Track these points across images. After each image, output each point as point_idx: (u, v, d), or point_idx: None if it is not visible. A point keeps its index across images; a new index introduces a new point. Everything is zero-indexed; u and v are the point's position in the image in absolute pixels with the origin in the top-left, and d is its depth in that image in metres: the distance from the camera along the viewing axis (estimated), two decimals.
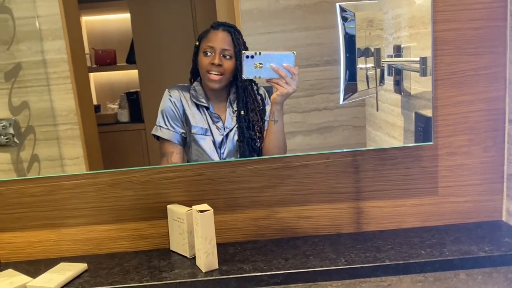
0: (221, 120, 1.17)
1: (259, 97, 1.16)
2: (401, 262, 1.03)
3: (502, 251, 1.05)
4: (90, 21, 1.25)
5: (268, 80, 1.10)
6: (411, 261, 1.04)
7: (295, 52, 1.08)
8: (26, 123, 1.16)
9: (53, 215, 1.20)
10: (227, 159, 1.17)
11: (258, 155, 1.17)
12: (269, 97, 1.15)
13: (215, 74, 1.12)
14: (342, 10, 1.13)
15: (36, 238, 1.21)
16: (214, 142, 1.17)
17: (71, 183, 1.18)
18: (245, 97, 1.15)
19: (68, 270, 1.08)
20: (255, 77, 1.09)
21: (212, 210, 1.04)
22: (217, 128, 1.17)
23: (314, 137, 1.18)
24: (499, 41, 1.13)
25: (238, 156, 1.17)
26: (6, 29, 1.12)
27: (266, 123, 1.16)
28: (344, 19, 1.13)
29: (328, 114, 1.17)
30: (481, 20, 1.12)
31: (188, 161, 1.19)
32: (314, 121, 1.17)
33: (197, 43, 1.13)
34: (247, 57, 1.07)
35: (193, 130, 1.16)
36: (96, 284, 1.03)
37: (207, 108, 1.16)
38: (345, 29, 1.14)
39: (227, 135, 1.17)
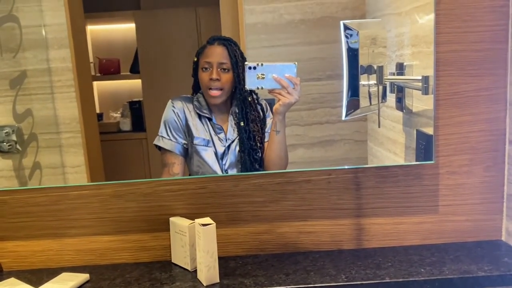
0: (223, 131, 1.18)
1: (259, 107, 1.17)
2: (400, 280, 1.04)
3: (502, 271, 1.05)
4: (95, 30, 1.26)
5: (270, 91, 1.11)
6: (411, 279, 1.04)
7: (296, 63, 1.09)
8: (29, 130, 1.17)
9: (57, 225, 1.20)
10: (230, 173, 1.18)
11: (260, 166, 1.18)
12: (271, 109, 1.16)
13: (214, 90, 1.13)
14: (346, 28, 1.15)
15: (39, 248, 1.21)
16: (216, 154, 1.17)
17: (76, 194, 1.19)
18: (245, 107, 1.16)
19: (70, 281, 1.08)
20: (258, 88, 1.10)
21: (215, 224, 1.05)
22: (219, 139, 1.18)
23: (315, 150, 1.19)
24: (500, 63, 1.15)
25: (240, 167, 1.18)
26: (13, 37, 1.13)
27: (266, 134, 1.17)
28: (348, 36, 1.15)
29: (329, 128, 1.18)
30: (483, 43, 1.14)
31: (189, 173, 1.20)
32: (316, 134, 1.18)
33: (195, 59, 1.15)
34: (250, 68, 1.08)
35: (195, 141, 1.17)
36: None
37: (210, 119, 1.17)
38: (348, 46, 1.15)
39: (229, 147, 1.18)
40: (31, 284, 1.09)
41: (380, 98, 1.20)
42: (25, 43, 1.13)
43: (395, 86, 1.19)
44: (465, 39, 1.14)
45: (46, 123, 1.16)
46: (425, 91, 1.14)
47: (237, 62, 1.12)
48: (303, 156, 1.18)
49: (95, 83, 1.28)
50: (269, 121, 1.17)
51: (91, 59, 1.25)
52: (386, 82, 1.18)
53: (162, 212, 1.20)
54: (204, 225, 1.04)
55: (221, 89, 1.13)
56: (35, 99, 1.16)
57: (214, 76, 1.12)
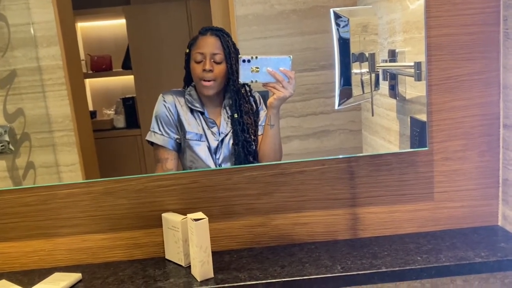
0: (216, 125, 1.16)
1: (252, 99, 1.16)
2: (397, 268, 1.03)
3: (498, 256, 1.04)
4: (86, 27, 1.24)
5: (264, 85, 1.09)
6: (407, 267, 1.03)
7: (291, 56, 1.08)
8: (21, 130, 1.15)
9: (47, 225, 1.19)
10: (223, 166, 1.17)
11: (254, 158, 1.16)
12: (264, 102, 1.15)
13: (207, 81, 1.12)
14: (336, 15, 1.13)
15: (30, 248, 1.20)
16: (209, 148, 1.16)
17: (65, 192, 1.17)
18: (238, 99, 1.14)
19: (62, 281, 1.07)
20: (252, 81, 1.09)
21: (207, 218, 1.04)
22: (212, 133, 1.16)
23: (310, 142, 1.18)
24: (492, 46, 1.14)
25: (234, 161, 1.16)
26: (1, 36, 1.12)
27: (260, 127, 1.16)
28: (339, 24, 1.13)
29: (324, 119, 1.17)
30: (474, 26, 1.13)
31: (182, 168, 1.18)
32: (311, 125, 1.17)
33: (187, 51, 1.13)
34: (244, 61, 1.07)
35: (187, 136, 1.15)
36: None
37: (202, 113, 1.16)
38: (339, 34, 1.14)
39: (222, 141, 1.16)
40: (22, 286, 1.08)
41: (372, 86, 1.18)
42: (14, 41, 1.12)
43: (388, 74, 1.18)
44: (456, 22, 1.12)
45: (38, 122, 1.15)
46: (418, 77, 1.13)
47: (230, 53, 1.10)
48: (298, 147, 1.18)
49: (87, 81, 1.27)
50: (262, 113, 1.16)
51: (82, 57, 1.24)
52: (378, 70, 1.17)
53: (154, 208, 1.18)
54: (196, 220, 1.03)
55: (213, 80, 1.12)
56: (26, 98, 1.14)
57: (207, 67, 1.10)
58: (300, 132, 1.17)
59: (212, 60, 1.11)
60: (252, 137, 1.16)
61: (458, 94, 1.16)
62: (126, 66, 1.26)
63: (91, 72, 1.27)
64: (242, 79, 1.08)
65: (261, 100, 1.16)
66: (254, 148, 1.16)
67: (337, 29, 1.13)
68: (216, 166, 1.17)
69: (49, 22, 1.12)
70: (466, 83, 1.15)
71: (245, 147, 1.15)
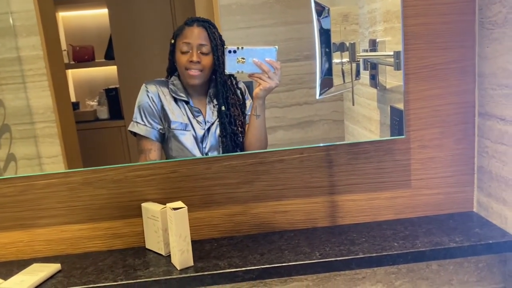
0: (202, 114, 1.16)
1: (238, 91, 1.16)
2: (374, 254, 1.05)
3: (472, 241, 1.07)
4: (67, 17, 1.23)
5: (250, 75, 1.09)
6: (384, 253, 1.05)
7: (277, 47, 1.08)
8: (1, 121, 1.14)
9: (25, 216, 1.18)
10: (210, 155, 1.17)
11: (241, 150, 1.16)
12: (249, 92, 1.15)
13: (194, 70, 1.11)
14: (317, 4, 1.13)
15: (8, 239, 1.19)
16: (195, 137, 1.16)
17: (43, 183, 1.16)
18: (225, 91, 1.14)
19: (41, 271, 1.07)
20: (238, 72, 1.09)
21: (186, 207, 1.04)
22: (198, 122, 1.16)
23: (295, 132, 1.18)
24: (468, 35, 1.15)
25: (221, 151, 1.16)
26: None
27: (247, 117, 1.16)
28: (320, 13, 1.14)
29: (308, 109, 1.17)
30: (451, 15, 1.14)
31: (166, 158, 1.18)
32: (295, 115, 1.17)
33: (172, 41, 1.12)
34: (230, 52, 1.07)
35: (172, 126, 1.15)
36: (69, 285, 1.02)
37: (187, 102, 1.15)
38: (320, 24, 1.14)
39: (208, 129, 1.16)
40: (0, 277, 1.07)
41: (353, 76, 1.19)
42: None
43: (369, 63, 1.19)
44: (433, 11, 1.13)
45: (19, 114, 1.14)
46: (397, 67, 1.14)
47: (217, 45, 1.10)
48: (282, 138, 1.18)
49: (69, 71, 1.25)
50: (247, 103, 1.16)
51: (64, 47, 1.22)
52: (359, 59, 1.17)
53: (133, 198, 1.18)
54: (175, 209, 1.03)
55: (200, 71, 1.11)
56: (5, 89, 1.12)
57: (195, 59, 1.10)
58: (284, 123, 1.17)
59: (199, 52, 1.10)
60: (240, 129, 1.16)
61: (434, 83, 1.17)
62: (109, 57, 1.24)
63: (73, 62, 1.25)
64: (228, 69, 1.08)
65: (246, 90, 1.16)
66: (241, 140, 1.16)
67: (318, 19, 1.13)
68: (203, 155, 1.16)
69: (29, 11, 1.10)
70: (442, 71, 1.17)
71: (232, 139, 1.15)
